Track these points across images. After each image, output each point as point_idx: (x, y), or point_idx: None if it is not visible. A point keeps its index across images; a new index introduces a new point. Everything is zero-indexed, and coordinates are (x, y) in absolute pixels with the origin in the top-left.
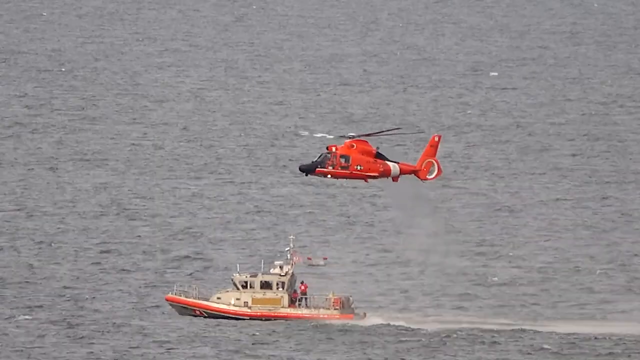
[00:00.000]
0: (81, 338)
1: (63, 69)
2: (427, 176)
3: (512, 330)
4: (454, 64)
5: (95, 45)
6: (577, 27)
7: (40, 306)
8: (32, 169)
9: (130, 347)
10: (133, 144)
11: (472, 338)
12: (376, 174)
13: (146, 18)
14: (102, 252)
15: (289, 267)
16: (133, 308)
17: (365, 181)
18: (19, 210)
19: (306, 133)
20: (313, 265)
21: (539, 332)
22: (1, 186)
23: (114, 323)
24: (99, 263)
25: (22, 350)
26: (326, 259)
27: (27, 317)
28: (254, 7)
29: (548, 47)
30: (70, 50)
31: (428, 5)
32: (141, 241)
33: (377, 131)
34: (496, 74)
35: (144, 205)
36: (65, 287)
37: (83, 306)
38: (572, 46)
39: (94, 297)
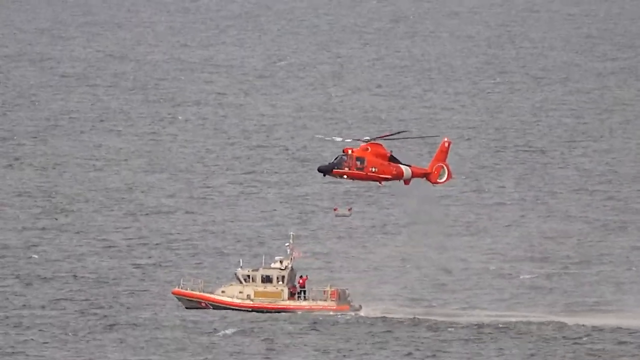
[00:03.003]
0: (89, 333)
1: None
2: (438, 180)
3: (511, 322)
4: None
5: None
6: None
7: (57, 299)
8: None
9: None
10: (152, 140)
11: (469, 331)
12: (389, 177)
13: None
14: (109, 247)
15: (289, 261)
16: (137, 293)
17: (380, 183)
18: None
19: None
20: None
21: (542, 323)
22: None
23: (110, 323)
24: (110, 258)
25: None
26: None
27: (39, 309)
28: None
29: None
30: None
31: None
32: (150, 236)
33: (388, 134)
34: None
35: (159, 202)
36: (77, 282)
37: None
38: None
39: (97, 293)
